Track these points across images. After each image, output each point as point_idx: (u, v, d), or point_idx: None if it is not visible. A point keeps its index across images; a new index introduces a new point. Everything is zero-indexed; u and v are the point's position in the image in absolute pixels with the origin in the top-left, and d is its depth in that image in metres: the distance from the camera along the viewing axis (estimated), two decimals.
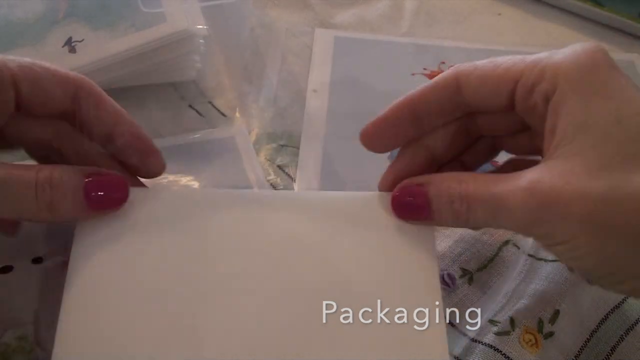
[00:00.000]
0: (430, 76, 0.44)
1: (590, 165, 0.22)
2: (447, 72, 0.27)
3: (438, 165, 0.30)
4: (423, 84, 0.28)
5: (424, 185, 0.27)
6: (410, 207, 0.28)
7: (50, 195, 0.25)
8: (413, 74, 0.44)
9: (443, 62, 0.45)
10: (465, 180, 0.26)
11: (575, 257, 0.23)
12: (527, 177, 0.24)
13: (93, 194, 0.26)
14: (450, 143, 0.29)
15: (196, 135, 0.38)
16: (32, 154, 0.30)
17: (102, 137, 0.28)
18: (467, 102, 0.27)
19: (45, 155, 0.29)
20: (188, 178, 0.36)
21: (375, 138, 0.29)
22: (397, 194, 0.28)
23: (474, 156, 0.30)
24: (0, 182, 0.24)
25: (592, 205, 0.22)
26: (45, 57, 0.37)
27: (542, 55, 0.25)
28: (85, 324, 0.25)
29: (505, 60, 0.26)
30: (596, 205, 0.22)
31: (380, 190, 0.30)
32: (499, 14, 0.51)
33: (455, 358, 0.29)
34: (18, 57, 0.26)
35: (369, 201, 0.29)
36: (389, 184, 0.29)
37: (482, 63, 0.27)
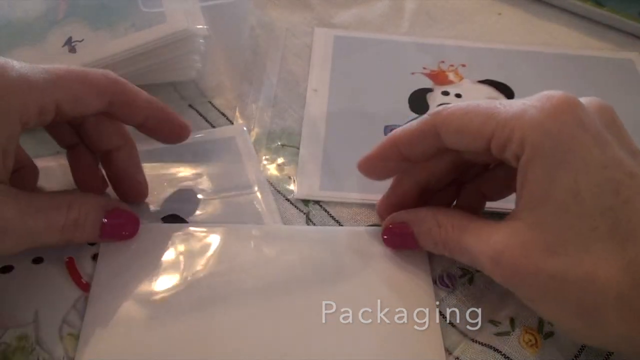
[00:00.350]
0: (430, 75, 0.44)
1: (548, 240, 0.24)
2: (426, 120, 0.28)
3: (432, 193, 0.31)
4: (407, 123, 0.29)
5: (407, 223, 0.30)
6: (399, 245, 0.31)
7: (72, 234, 0.28)
8: (413, 73, 0.44)
9: (443, 61, 0.45)
10: (443, 224, 0.28)
11: (539, 313, 0.27)
12: (495, 243, 0.25)
13: (108, 228, 0.29)
14: (442, 175, 0.30)
15: (196, 135, 0.38)
16: (58, 143, 0.32)
17: (135, 124, 0.31)
18: (449, 147, 0.28)
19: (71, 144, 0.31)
20: (188, 178, 0.36)
21: (369, 172, 0.31)
22: (385, 232, 0.31)
23: (470, 173, 0.31)
24: (33, 232, 0.26)
25: (546, 283, 0.24)
26: (46, 57, 0.37)
27: (512, 112, 0.25)
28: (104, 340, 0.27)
29: (478, 112, 0.26)
30: (549, 283, 0.24)
31: (378, 214, 0.33)
32: (499, 14, 0.51)
33: (455, 358, 0.29)
34: (59, 69, 0.27)
35: (361, 233, 0.33)
36: (382, 215, 0.32)
37: (457, 114, 0.27)
